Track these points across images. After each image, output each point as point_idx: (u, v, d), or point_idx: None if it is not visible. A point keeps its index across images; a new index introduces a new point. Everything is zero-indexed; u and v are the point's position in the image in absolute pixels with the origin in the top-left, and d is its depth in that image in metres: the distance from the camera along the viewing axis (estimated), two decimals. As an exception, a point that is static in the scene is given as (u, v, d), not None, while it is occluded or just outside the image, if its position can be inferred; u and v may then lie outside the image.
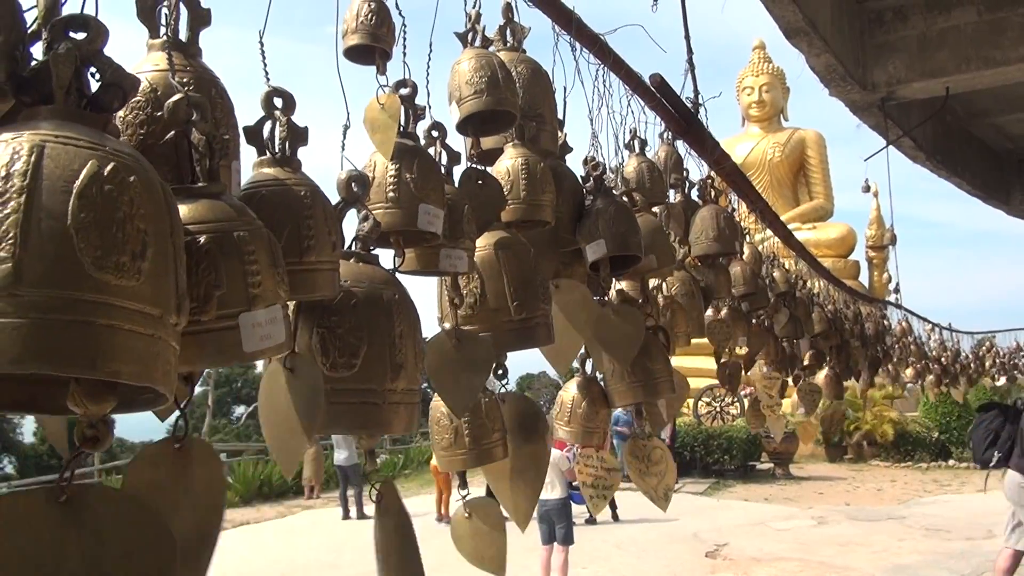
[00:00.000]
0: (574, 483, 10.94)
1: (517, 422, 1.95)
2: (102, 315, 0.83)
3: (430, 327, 1.89)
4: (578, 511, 11.17)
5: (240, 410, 43.06)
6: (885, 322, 8.97)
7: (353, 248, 1.42)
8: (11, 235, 0.80)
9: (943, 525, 13.43)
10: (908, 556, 11.38)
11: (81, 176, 0.83)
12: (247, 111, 1.29)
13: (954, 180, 9.40)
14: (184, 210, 1.03)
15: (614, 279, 2.60)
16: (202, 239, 1.02)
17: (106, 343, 0.83)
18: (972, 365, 12.76)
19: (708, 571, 10.87)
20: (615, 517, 14.05)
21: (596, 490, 2.71)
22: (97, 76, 0.94)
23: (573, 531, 9.63)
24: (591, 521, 13.76)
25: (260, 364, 1.39)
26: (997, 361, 14.23)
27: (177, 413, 1.14)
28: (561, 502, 9.49)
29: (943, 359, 11.25)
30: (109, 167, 0.85)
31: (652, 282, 3.07)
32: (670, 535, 12.81)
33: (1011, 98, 8.41)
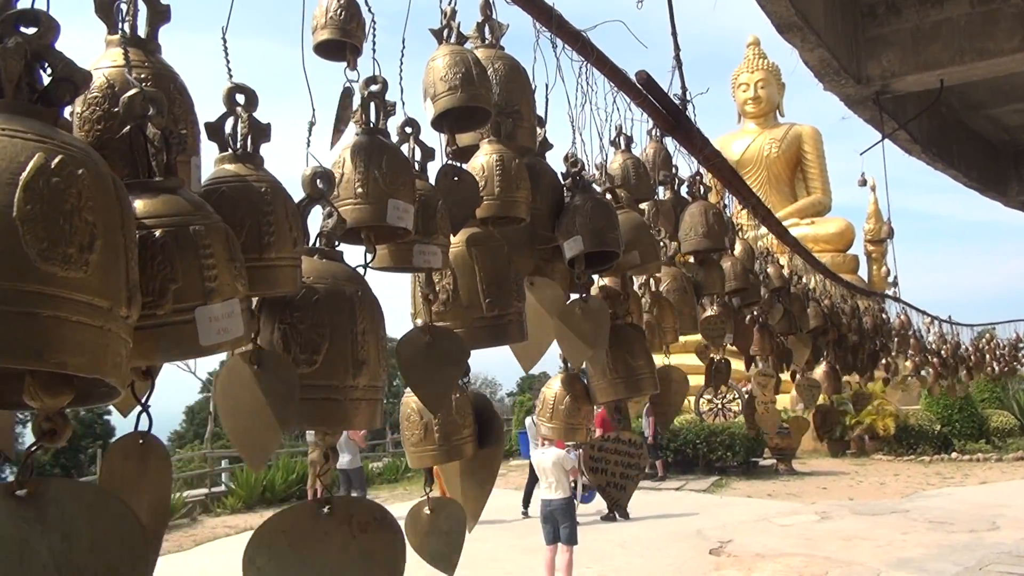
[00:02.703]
0: (581, 481, 10.95)
1: (474, 422, 1.94)
2: (48, 306, 0.83)
3: (402, 324, 1.90)
4: (582, 510, 11.17)
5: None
6: (884, 316, 8.95)
7: (317, 244, 1.42)
8: None
9: (947, 518, 13.42)
10: (912, 549, 11.38)
11: (28, 168, 0.84)
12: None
13: (950, 172, 9.39)
14: (139, 204, 1.03)
15: (597, 276, 2.60)
16: (157, 233, 1.02)
17: (52, 334, 0.83)
18: (972, 358, 12.71)
19: (712, 568, 10.86)
20: (625, 515, 14.04)
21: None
22: (48, 71, 0.95)
23: (577, 531, 9.62)
24: (608, 518, 13.77)
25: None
26: (997, 353, 14.17)
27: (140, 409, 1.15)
28: (565, 502, 9.48)
29: (943, 352, 11.21)
30: (56, 159, 0.86)
31: (640, 279, 3.07)
32: (674, 533, 12.81)
33: (1006, 89, 8.40)
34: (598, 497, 13.24)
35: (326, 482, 1.34)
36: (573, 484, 9.95)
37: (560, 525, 9.43)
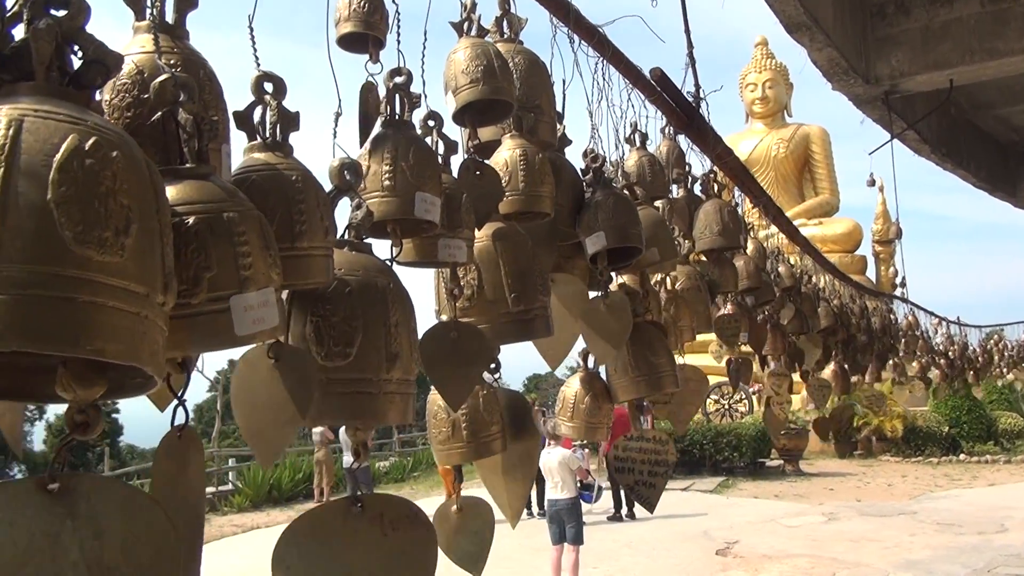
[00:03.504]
0: (586, 481, 10.95)
1: (508, 418, 1.92)
2: (85, 291, 0.81)
3: (425, 319, 1.88)
4: (587, 509, 11.14)
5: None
6: (892, 316, 8.91)
7: (346, 236, 1.40)
8: None
9: (955, 519, 13.37)
10: (920, 551, 11.33)
11: (61, 150, 0.81)
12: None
13: (959, 173, 9.35)
14: (172, 191, 1.01)
15: (616, 273, 2.58)
16: (191, 220, 1.00)
17: (89, 320, 0.81)
18: (980, 359, 12.66)
19: (719, 569, 10.83)
20: (632, 515, 14.01)
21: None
22: (79, 53, 0.93)
23: (583, 531, 9.60)
24: (615, 518, 13.80)
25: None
26: (1006, 355, 14.11)
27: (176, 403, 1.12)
28: (571, 501, 9.47)
29: (950, 353, 11.17)
30: (91, 141, 0.83)
31: (655, 277, 3.05)
32: (681, 533, 12.78)
33: (1016, 89, 8.36)
34: (603, 497, 13.27)
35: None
36: (579, 484, 9.94)
37: (566, 525, 9.41)
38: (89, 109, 0.90)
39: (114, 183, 0.84)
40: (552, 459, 9.51)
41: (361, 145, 1.62)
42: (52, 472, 0.88)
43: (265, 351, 1.23)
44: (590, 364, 2.55)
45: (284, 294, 1.24)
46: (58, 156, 0.81)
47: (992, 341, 13.97)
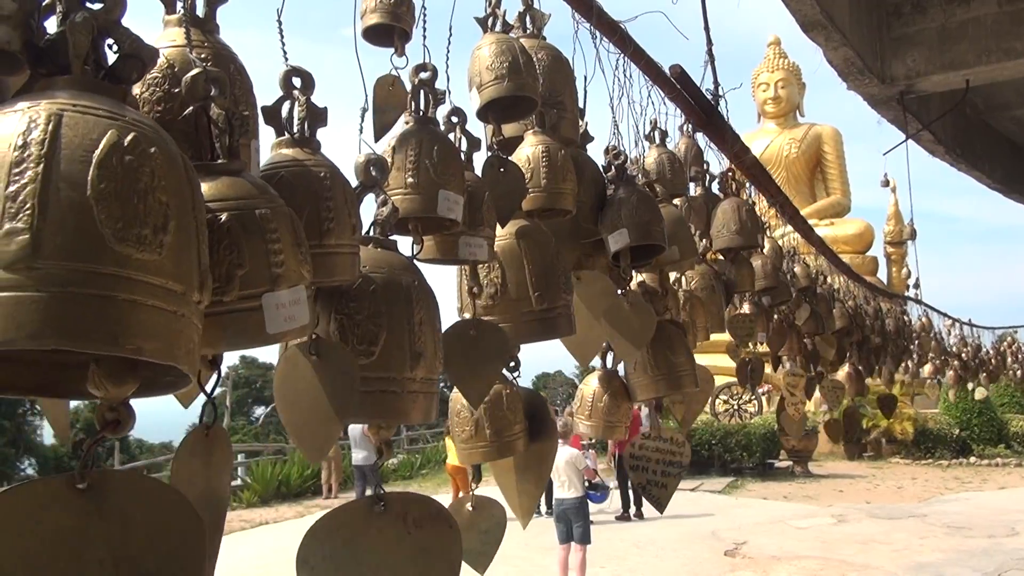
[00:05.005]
0: (594, 481, 10.93)
1: (525, 417, 1.91)
2: (123, 289, 0.79)
3: (448, 317, 1.87)
4: (595, 509, 11.12)
5: (259, 411, 43.15)
6: (905, 318, 8.87)
7: (371, 233, 1.39)
8: (28, 205, 0.76)
9: (965, 523, 13.30)
10: (930, 554, 11.28)
11: (101, 145, 0.80)
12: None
13: (974, 174, 9.29)
14: (205, 188, 1.00)
15: (635, 271, 2.57)
16: (223, 217, 0.99)
17: (128, 318, 0.79)
18: (993, 361, 12.60)
19: (727, 570, 10.80)
20: (640, 515, 13.98)
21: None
22: (115, 47, 0.92)
23: (591, 530, 9.59)
24: (623, 518, 13.80)
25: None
26: (1019, 356, 14.04)
27: (203, 400, 1.11)
28: (578, 501, 9.45)
29: (963, 355, 11.11)
30: (129, 137, 0.82)
31: (672, 275, 3.03)
32: (689, 534, 12.75)
33: (1033, 90, 8.30)
34: (611, 496, 13.25)
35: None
36: (588, 484, 9.92)
37: (573, 524, 9.40)
38: (126, 104, 0.89)
39: (152, 180, 0.83)
40: (559, 458, 9.49)
41: (376, 140, 1.61)
42: (81, 470, 0.87)
43: (307, 348, 1.23)
44: (608, 362, 2.53)
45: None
46: (97, 152, 0.80)
47: (1005, 343, 13.90)
